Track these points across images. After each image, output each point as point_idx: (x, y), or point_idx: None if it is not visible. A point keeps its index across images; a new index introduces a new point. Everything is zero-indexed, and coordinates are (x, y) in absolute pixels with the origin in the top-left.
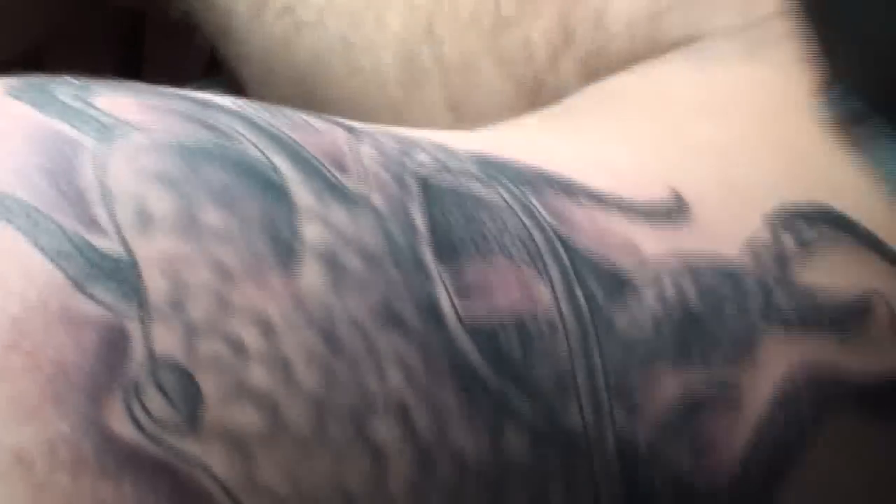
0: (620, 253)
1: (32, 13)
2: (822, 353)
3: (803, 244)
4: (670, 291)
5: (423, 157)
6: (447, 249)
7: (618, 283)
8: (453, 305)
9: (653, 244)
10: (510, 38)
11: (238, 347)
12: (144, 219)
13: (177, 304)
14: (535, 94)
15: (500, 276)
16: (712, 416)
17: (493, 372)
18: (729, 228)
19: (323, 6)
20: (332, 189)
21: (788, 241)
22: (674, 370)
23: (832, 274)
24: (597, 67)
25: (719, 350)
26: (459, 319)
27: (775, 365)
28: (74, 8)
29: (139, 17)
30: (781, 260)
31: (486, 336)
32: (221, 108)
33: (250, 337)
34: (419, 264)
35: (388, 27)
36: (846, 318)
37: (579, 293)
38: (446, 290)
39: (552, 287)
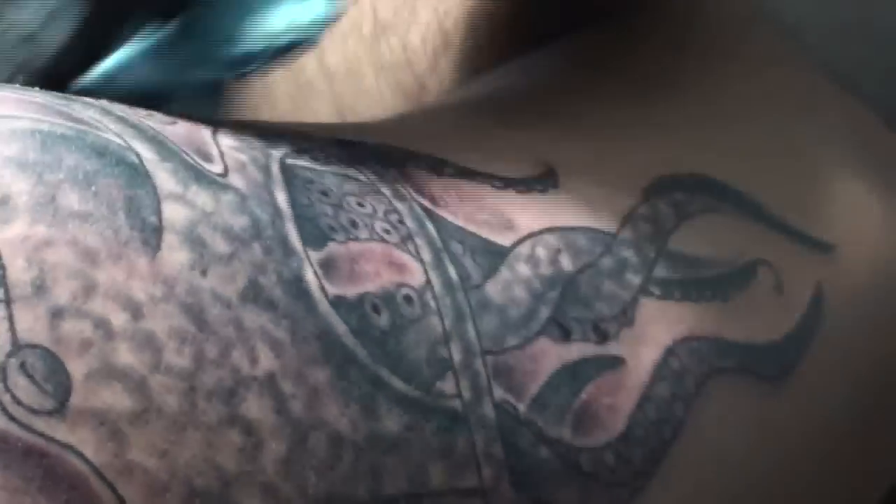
0: (494, 227)
1: None
2: (703, 321)
3: (682, 214)
4: (545, 263)
5: (285, 143)
6: (312, 230)
7: (492, 259)
8: (319, 282)
9: (527, 218)
10: (389, 44)
11: (105, 328)
12: (3, 204)
13: (40, 288)
14: (418, 98)
15: (368, 256)
16: (593, 388)
17: (363, 346)
18: (605, 201)
19: None
20: (193, 172)
21: (667, 210)
22: (552, 341)
23: (713, 242)
24: (474, 67)
25: (599, 320)
26: (325, 295)
27: (656, 334)
28: None
29: None
30: (660, 229)
31: (352, 309)
32: (82, 101)
33: (117, 318)
34: (283, 242)
35: None
36: (727, 286)
37: (452, 273)
38: (312, 267)
39: (424, 268)
